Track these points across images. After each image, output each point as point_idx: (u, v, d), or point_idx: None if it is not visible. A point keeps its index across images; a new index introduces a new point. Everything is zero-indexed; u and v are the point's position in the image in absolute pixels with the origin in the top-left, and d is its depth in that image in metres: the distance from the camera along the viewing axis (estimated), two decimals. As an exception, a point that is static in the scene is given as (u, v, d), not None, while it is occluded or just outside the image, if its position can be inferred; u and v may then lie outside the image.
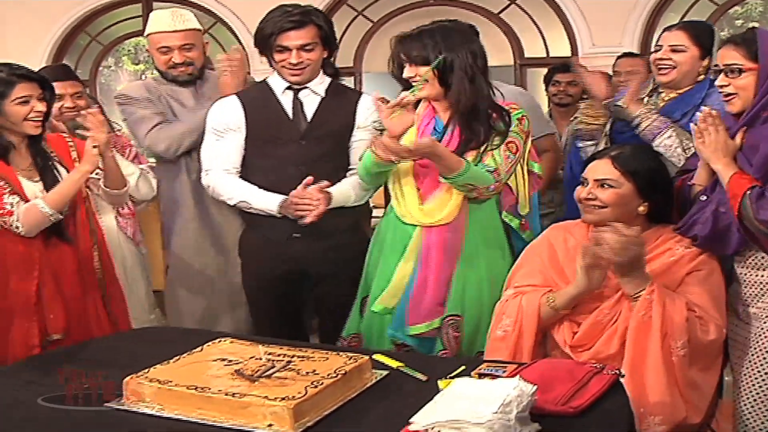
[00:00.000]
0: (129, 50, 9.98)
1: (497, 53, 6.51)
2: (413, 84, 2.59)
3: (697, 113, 2.41)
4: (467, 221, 2.63)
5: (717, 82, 2.37)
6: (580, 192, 2.46)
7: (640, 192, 2.41)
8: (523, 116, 2.68)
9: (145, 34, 3.26)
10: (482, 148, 2.59)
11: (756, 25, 7.68)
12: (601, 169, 2.44)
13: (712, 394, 2.32)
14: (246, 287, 3.06)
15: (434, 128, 2.66)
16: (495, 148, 2.60)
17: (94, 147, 2.62)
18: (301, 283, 2.95)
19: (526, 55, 6.85)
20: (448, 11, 6.69)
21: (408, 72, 2.59)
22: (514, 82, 6.57)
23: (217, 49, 6.39)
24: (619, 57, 4.51)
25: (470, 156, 2.57)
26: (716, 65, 2.39)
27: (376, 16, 7.14)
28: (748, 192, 2.20)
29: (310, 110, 2.88)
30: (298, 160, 2.83)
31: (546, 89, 4.72)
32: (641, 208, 2.42)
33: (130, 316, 3.01)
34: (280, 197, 2.78)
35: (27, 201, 2.59)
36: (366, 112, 2.95)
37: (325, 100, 2.91)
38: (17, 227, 2.57)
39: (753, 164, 2.25)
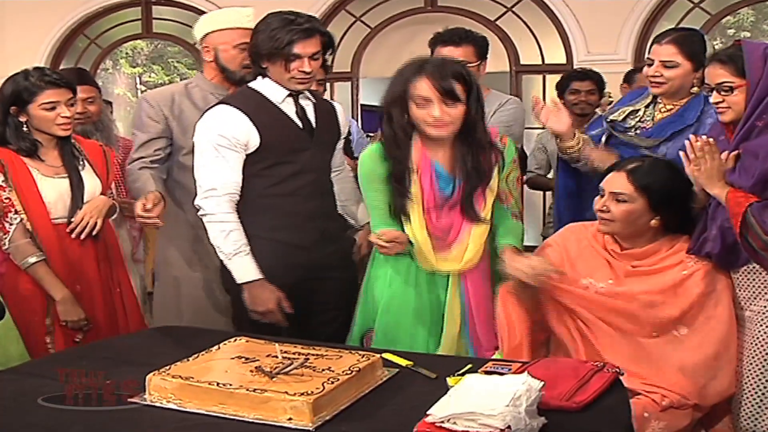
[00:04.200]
0: (127, 53, 10.07)
1: (493, 60, 6.50)
2: (433, 125, 2.54)
3: (687, 139, 2.45)
4: (488, 256, 2.70)
5: (712, 100, 2.44)
6: (596, 202, 2.56)
7: (652, 207, 2.48)
8: (515, 147, 2.76)
9: (220, 27, 3.10)
10: (491, 188, 2.64)
11: (747, 34, 7.81)
12: (617, 182, 2.52)
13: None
14: (236, 298, 2.82)
15: (435, 173, 2.62)
16: (510, 183, 2.67)
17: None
18: (300, 289, 2.88)
19: (522, 62, 6.94)
20: (445, 18, 6.78)
21: (439, 112, 2.51)
22: (510, 89, 6.69)
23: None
24: (635, 71, 4.49)
25: (487, 199, 2.63)
26: (706, 84, 2.46)
27: (374, 22, 7.23)
28: (748, 208, 2.27)
29: (311, 116, 2.89)
30: (312, 167, 2.83)
31: (560, 96, 4.60)
32: (653, 222, 2.50)
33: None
34: (255, 275, 2.69)
35: (40, 205, 2.71)
36: (344, 121, 3.06)
37: (316, 105, 2.92)
38: (4, 244, 2.72)
39: (752, 174, 2.31)
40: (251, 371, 1.98)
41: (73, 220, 2.76)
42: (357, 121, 6.54)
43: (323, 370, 1.98)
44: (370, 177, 2.67)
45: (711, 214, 2.45)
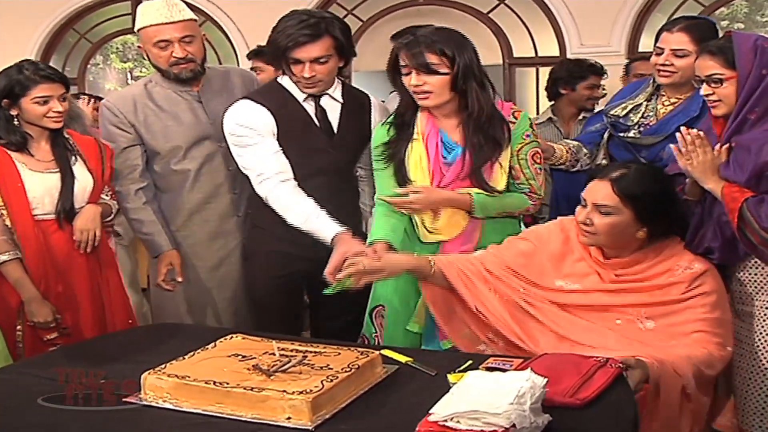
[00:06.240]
0: (117, 48, 10.02)
1: (486, 53, 6.55)
2: (416, 93, 2.53)
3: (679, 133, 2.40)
4: (482, 229, 2.62)
5: (702, 92, 2.40)
6: (578, 213, 2.41)
7: (639, 218, 2.33)
8: (529, 124, 2.64)
9: (137, 28, 2.95)
10: (501, 161, 2.57)
11: (741, 26, 7.80)
12: (601, 192, 2.35)
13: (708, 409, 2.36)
14: (252, 287, 2.95)
15: (442, 141, 2.59)
16: (522, 160, 2.59)
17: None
18: (307, 282, 2.90)
19: (515, 54, 6.91)
20: (437, 10, 6.76)
21: (415, 80, 2.50)
22: (503, 82, 6.67)
23: (208, 47, 6.38)
24: (632, 60, 4.52)
25: (496, 174, 2.57)
26: (697, 76, 2.42)
27: (366, 14, 7.17)
28: (744, 203, 2.24)
29: (333, 118, 2.80)
30: (328, 169, 2.77)
31: (567, 85, 4.53)
32: (640, 234, 2.35)
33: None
34: (335, 230, 2.60)
35: (23, 200, 2.67)
36: (380, 118, 2.88)
37: (344, 106, 2.82)
38: None
39: (746, 169, 2.27)
40: (248, 369, 1.95)
41: (74, 238, 2.75)
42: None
43: (322, 367, 1.95)
44: (376, 144, 2.69)
45: (707, 209, 2.41)
